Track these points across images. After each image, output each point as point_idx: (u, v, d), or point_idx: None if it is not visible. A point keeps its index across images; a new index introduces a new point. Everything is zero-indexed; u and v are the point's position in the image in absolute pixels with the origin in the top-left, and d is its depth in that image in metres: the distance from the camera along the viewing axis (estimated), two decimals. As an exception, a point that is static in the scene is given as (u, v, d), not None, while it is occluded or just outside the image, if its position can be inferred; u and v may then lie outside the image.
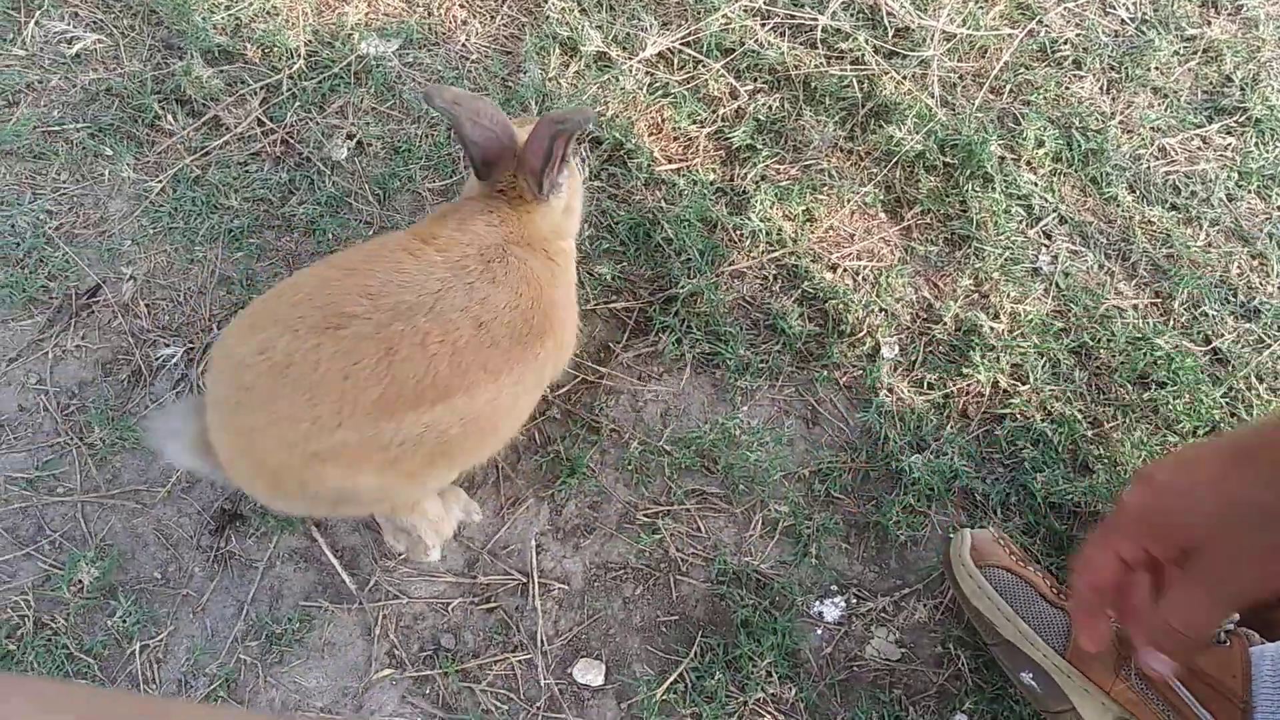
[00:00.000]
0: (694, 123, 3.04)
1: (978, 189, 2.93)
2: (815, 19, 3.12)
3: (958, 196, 2.94)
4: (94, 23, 3.10)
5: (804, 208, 2.91)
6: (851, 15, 3.18)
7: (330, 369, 1.82)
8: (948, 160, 2.97)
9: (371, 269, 1.94)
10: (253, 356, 1.83)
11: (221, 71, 3.00)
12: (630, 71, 3.06)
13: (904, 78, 3.07)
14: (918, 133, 2.97)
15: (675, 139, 3.03)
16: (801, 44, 3.13)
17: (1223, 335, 2.76)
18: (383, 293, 1.89)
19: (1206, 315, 2.80)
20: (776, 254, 2.86)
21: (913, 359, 2.73)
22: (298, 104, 3.00)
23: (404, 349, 1.86)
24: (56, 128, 2.94)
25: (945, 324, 2.76)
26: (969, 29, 3.16)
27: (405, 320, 1.87)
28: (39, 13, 3.09)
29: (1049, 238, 2.92)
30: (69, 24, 3.08)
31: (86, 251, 2.79)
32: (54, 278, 2.75)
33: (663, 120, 3.04)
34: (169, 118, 2.94)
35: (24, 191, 2.85)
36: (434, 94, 2.04)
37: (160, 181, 2.87)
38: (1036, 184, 2.97)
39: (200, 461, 2.04)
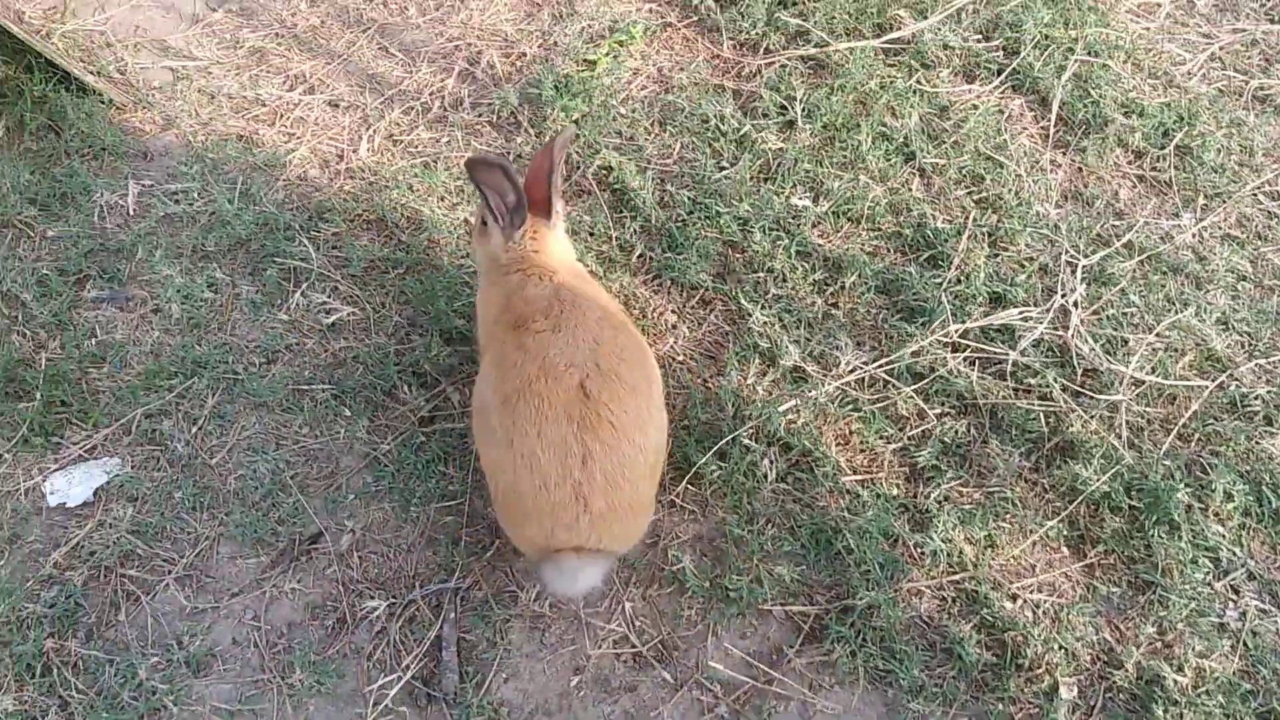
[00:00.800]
0: (881, 439, 3.19)
1: (1163, 535, 2.95)
2: (1006, 354, 3.28)
3: (1142, 540, 2.96)
4: (351, 297, 3.51)
5: (986, 533, 2.98)
6: (1041, 353, 3.33)
7: (605, 367, 2.51)
8: (1133, 503, 3.01)
9: (529, 351, 2.56)
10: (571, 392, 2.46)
11: (456, 351, 3.33)
12: (823, 385, 3.25)
13: (1091, 417, 3.17)
14: (1104, 473, 3.04)
15: (862, 452, 3.18)
16: (991, 375, 3.29)
17: None
18: (554, 342, 2.56)
19: None
20: (956, 577, 2.91)
21: (1092, 704, 2.69)
22: (517, 386, 3.29)
23: (605, 344, 2.57)
24: (306, 386, 3.30)
25: (1127, 670, 2.73)
26: (1158, 377, 3.26)
27: (583, 341, 2.57)
28: (305, 285, 3.53)
29: (1237, 592, 2.89)
30: (329, 297, 3.51)
31: (315, 501, 3.07)
32: (283, 522, 3.02)
33: (851, 433, 3.20)
34: (405, 388, 3.27)
35: (269, 441, 3.18)
36: (482, 154, 2.89)
37: (389, 444, 3.17)
38: (1225, 536, 2.97)
39: (599, 568, 2.58)
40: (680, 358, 3.39)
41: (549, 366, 2.49)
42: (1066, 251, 3.52)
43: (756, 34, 4.15)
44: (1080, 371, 3.28)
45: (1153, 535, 2.95)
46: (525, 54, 4.17)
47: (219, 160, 3.84)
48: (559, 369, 2.48)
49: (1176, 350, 3.36)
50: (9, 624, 2.82)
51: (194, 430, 3.19)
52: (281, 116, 4.02)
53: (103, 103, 3.97)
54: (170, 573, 2.93)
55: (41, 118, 3.91)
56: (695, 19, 4.27)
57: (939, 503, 3.05)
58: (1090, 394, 3.23)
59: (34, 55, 3.94)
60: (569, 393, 2.45)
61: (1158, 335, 3.36)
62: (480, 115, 3.98)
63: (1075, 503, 3.03)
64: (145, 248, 3.59)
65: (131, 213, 3.71)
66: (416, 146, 3.91)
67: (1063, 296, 3.41)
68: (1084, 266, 3.50)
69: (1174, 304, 3.45)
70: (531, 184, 2.83)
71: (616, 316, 2.78)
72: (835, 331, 3.41)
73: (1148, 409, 3.23)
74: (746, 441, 3.13)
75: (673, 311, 3.50)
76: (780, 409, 3.18)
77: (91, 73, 4.03)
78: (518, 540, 2.61)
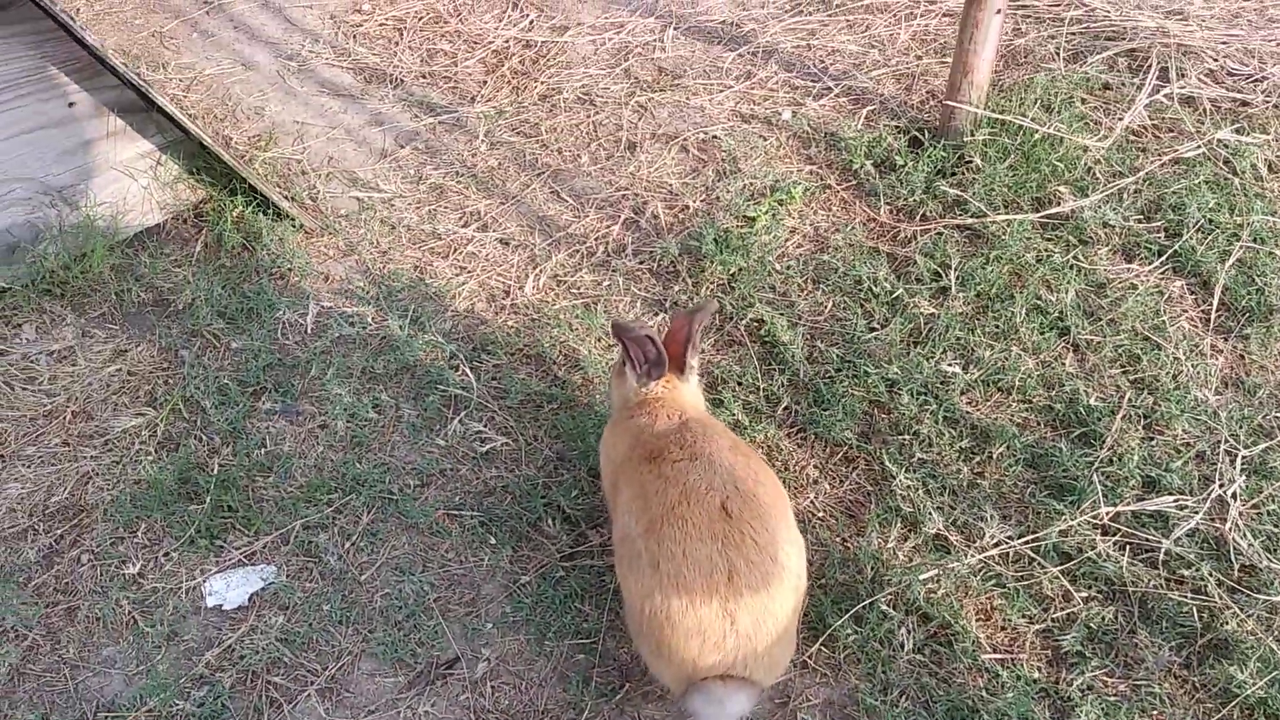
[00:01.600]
0: (1024, 618, 3.12)
1: (1326, 753, 2.80)
2: (1159, 542, 3.20)
3: (1302, 754, 2.81)
4: (505, 428, 3.65)
5: (1131, 730, 2.87)
6: (1196, 543, 3.23)
7: (744, 489, 2.62)
8: (1293, 713, 2.87)
9: (668, 479, 2.66)
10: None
11: (600, 491, 3.42)
12: (966, 557, 3.22)
13: (1248, 616, 3.05)
14: (1260, 677, 2.91)
15: (1003, 630, 3.11)
16: (1142, 562, 3.20)
17: None
18: (692, 469, 2.67)
19: None
20: (1098, 773, 2.80)
21: None
22: (658, 529, 3.35)
23: (740, 469, 2.68)
24: (456, 511, 3.42)
25: None
26: (1322, 580, 3.13)
27: (719, 466, 2.67)
28: (464, 413, 3.69)
29: None
30: (484, 426, 3.65)
31: (454, 626, 3.15)
32: (422, 644, 3.11)
33: (993, 609, 3.15)
34: (549, 521, 3.36)
35: (417, 563, 3.30)
36: (629, 324, 2.92)
37: (529, 575, 3.25)
38: (1394, 759, 2.80)
39: (747, 697, 2.58)
40: (820, 514, 3.40)
41: (690, 491, 2.60)
42: (1226, 440, 3.44)
43: (914, 201, 4.25)
44: (1237, 567, 3.17)
45: (1313, 752, 2.80)
46: (688, 207, 4.34)
47: (394, 288, 4.09)
48: (700, 492, 2.60)
49: (1343, 554, 3.22)
50: None
51: (347, 545, 3.33)
52: (455, 250, 4.26)
53: (294, 227, 4.28)
54: (313, 684, 3.04)
55: (238, 237, 4.23)
56: (854, 183, 4.40)
57: (1082, 691, 2.95)
58: (1248, 591, 3.12)
59: (238, 179, 4.28)
60: (711, 513, 2.56)
61: (1323, 536, 3.24)
62: (641, 262, 4.15)
63: (1229, 706, 2.90)
64: (319, 366, 3.81)
65: (309, 331, 3.96)
66: (579, 288, 4.09)
67: (1220, 487, 3.32)
68: (1244, 457, 3.41)
69: (1341, 504, 3.33)
70: (670, 343, 2.97)
71: (745, 445, 2.90)
72: (980, 502, 3.38)
73: (1310, 613, 3.10)
74: (884, 607, 3.11)
75: (815, 466, 3.53)
76: (921, 577, 3.15)
77: (286, 198, 4.35)
78: (662, 671, 2.64)
